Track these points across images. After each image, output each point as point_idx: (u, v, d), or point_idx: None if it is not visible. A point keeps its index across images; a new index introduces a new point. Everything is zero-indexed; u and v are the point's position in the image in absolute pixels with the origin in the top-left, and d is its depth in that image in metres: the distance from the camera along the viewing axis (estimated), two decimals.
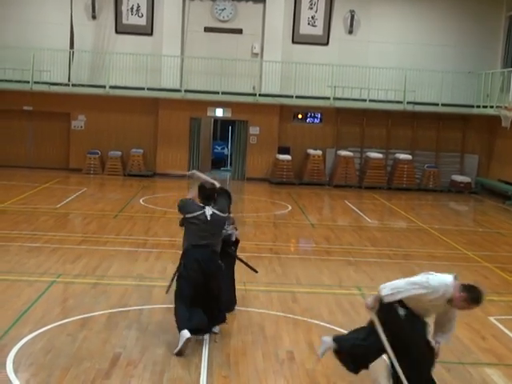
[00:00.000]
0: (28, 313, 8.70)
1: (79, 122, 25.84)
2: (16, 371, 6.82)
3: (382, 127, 26.39)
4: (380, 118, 26.16)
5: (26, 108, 25.53)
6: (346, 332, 8.50)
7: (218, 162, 29.38)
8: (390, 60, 25.84)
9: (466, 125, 26.47)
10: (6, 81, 24.55)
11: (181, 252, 8.11)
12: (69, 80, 24.88)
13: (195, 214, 7.93)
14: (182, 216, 8.10)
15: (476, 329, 9.06)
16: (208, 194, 8.12)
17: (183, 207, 8.09)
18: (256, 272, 9.62)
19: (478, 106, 25.32)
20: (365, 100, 25.42)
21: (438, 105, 25.46)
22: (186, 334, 7.47)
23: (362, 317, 9.25)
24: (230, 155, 28.94)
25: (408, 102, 25.43)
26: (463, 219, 20.75)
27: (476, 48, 26.17)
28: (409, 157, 25.90)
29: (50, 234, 13.87)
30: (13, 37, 25.16)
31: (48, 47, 24.77)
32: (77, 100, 25.31)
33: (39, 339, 7.76)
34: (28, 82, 24.46)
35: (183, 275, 7.87)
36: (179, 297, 7.85)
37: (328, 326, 8.80)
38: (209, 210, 7.93)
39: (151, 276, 10.95)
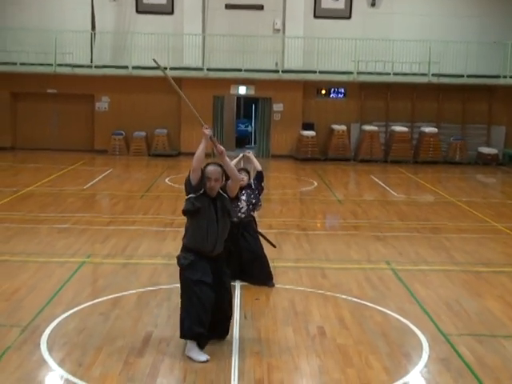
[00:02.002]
0: (60, 293, 8.79)
1: (103, 104, 25.94)
2: (50, 351, 6.90)
3: (407, 100, 26.15)
4: (404, 92, 25.91)
5: (50, 91, 25.67)
6: (375, 307, 8.52)
7: (241, 140, 29.33)
8: (413, 32, 25.52)
9: (492, 96, 26.13)
10: (30, 64, 24.67)
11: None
12: (91, 61, 24.94)
13: None
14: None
15: (508, 301, 8.99)
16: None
17: None
18: (274, 247, 9.74)
19: (505, 77, 24.99)
20: (389, 73, 25.18)
21: (463, 76, 25.15)
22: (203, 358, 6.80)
23: (392, 291, 9.27)
24: (254, 133, 28.89)
25: (433, 75, 25.16)
26: (491, 191, 20.55)
27: (502, 17, 25.73)
28: (434, 130, 25.66)
29: (78, 215, 13.98)
30: (34, 20, 25.23)
31: (70, 29, 24.82)
32: (100, 81, 25.38)
33: (72, 319, 7.84)
34: (51, 65, 24.58)
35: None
36: (202, 303, 6.81)
37: (357, 300, 8.79)
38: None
39: None
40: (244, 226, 9.28)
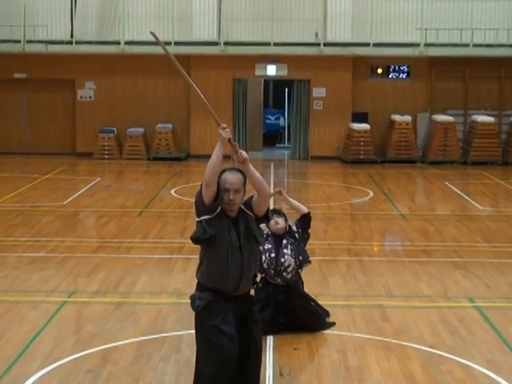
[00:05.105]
0: (34, 344, 8.82)
1: (87, 92, 26.12)
2: None
3: (493, 80, 26.04)
4: (489, 69, 25.82)
5: (17, 76, 25.91)
6: (455, 358, 8.46)
7: (271, 137, 29.37)
8: None
9: None
10: None
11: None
12: (71, 36, 25.14)
13: None
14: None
15: None
16: None
17: None
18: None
19: None
20: (467, 45, 25.09)
21: None
22: None
23: (478, 337, 9.19)
24: (288, 127, 28.90)
25: None
26: None
27: None
28: None
29: (57, 240, 14.07)
30: None
31: None
32: (83, 62, 25.55)
33: (51, 378, 7.87)
34: (19, 42, 24.79)
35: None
36: (219, 358, 6.64)
37: (431, 350, 8.74)
38: None
39: (191, 291, 10.94)
40: (291, 290, 9.17)
